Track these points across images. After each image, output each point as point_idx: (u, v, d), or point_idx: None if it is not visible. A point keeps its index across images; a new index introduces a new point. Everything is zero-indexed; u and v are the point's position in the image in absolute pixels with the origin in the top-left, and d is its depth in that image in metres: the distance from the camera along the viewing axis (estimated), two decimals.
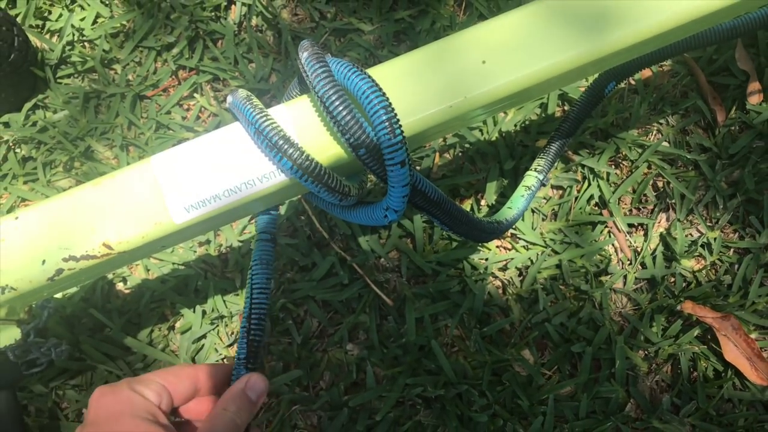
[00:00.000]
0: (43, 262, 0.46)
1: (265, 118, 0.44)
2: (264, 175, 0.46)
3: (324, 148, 0.46)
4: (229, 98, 0.48)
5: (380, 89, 0.42)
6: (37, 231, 0.47)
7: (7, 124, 0.97)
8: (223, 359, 0.85)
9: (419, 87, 0.46)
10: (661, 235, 0.88)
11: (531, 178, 0.75)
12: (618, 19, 0.47)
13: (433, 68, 0.46)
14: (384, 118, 0.41)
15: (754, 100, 0.92)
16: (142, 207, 0.46)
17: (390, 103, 0.42)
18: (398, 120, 0.42)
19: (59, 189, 0.94)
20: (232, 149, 0.47)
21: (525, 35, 0.47)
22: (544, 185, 0.76)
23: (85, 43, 1.02)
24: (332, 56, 0.45)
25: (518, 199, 0.72)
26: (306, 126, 0.47)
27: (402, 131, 0.42)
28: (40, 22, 1.04)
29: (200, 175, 0.46)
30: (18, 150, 0.97)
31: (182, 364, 0.46)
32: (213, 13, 1.01)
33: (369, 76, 0.42)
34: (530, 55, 0.46)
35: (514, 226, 0.87)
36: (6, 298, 0.47)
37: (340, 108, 0.42)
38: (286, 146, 0.44)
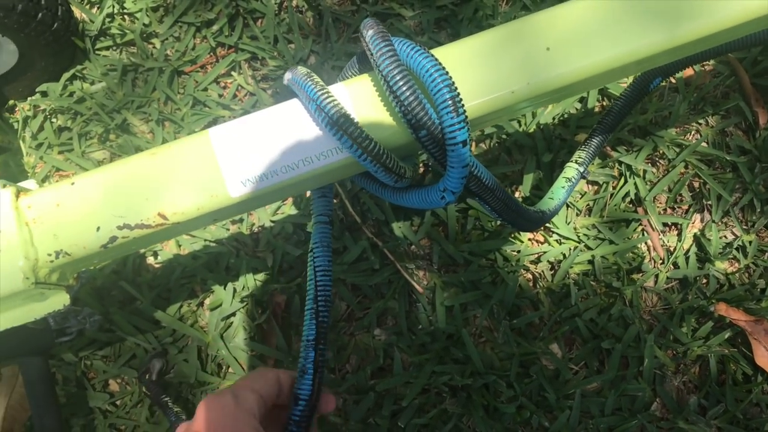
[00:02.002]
0: (98, 228, 0.46)
1: (326, 95, 0.44)
2: (322, 152, 0.46)
3: (382, 128, 0.46)
4: (288, 74, 0.47)
5: (444, 68, 0.42)
6: (93, 198, 0.47)
7: (45, 93, 0.97)
8: (252, 337, 0.85)
9: (482, 70, 0.46)
10: (695, 235, 0.88)
11: (571, 170, 0.74)
12: (685, 12, 0.46)
13: (496, 52, 0.46)
14: (447, 96, 0.41)
15: None
16: (199, 179, 0.46)
17: (453, 82, 0.42)
18: (461, 99, 0.42)
19: (94, 160, 0.94)
20: (290, 125, 0.46)
21: (591, 24, 0.46)
22: (584, 178, 0.75)
23: (125, 16, 1.01)
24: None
25: (559, 190, 0.72)
26: (364, 105, 0.47)
27: (465, 110, 0.42)
28: None
29: (258, 150, 0.46)
30: (54, 120, 0.98)
31: (263, 368, 0.50)
32: None
33: (433, 56, 0.42)
34: (595, 45, 0.46)
35: None
36: (59, 263, 0.47)
37: (404, 88, 0.42)
38: (347, 124, 0.43)
